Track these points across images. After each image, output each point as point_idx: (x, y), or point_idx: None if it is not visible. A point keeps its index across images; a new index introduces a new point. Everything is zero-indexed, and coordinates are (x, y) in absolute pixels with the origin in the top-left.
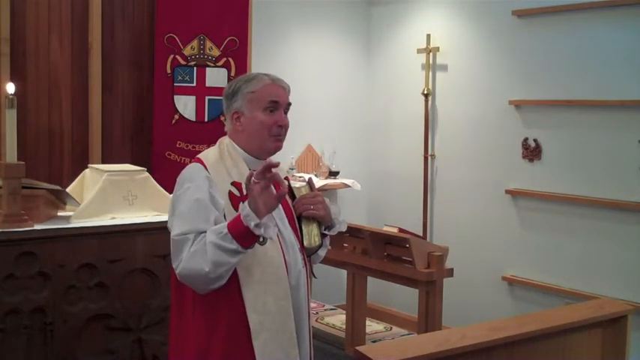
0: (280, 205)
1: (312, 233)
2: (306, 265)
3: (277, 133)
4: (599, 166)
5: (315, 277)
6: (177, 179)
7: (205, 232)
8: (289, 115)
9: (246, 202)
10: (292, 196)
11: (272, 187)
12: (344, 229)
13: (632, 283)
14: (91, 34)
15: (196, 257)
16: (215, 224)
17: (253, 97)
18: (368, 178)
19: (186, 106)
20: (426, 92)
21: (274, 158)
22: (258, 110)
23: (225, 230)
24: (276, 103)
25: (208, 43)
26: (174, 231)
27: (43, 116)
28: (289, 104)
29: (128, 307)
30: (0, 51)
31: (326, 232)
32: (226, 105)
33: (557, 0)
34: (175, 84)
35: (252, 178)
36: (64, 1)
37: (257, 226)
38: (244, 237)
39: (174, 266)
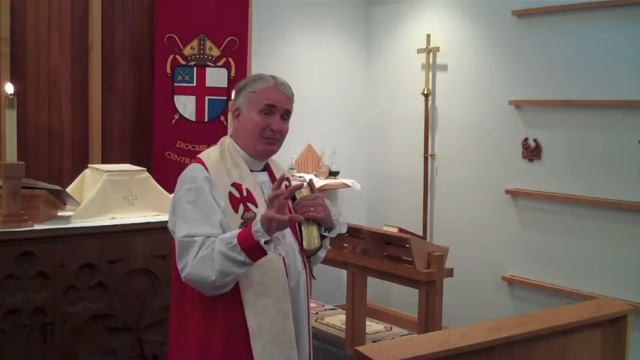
0: None
1: (311, 235)
2: (305, 266)
3: (269, 136)
4: (599, 166)
5: (314, 278)
6: (178, 180)
7: (211, 235)
8: (290, 119)
9: (258, 218)
10: (292, 198)
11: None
12: (344, 230)
13: (632, 283)
14: (91, 34)
15: (203, 264)
16: (220, 226)
17: (253, 97)
18: (368, 178)
19: (186, 106)
20: (426, 92)
21: (277, 159)
22: (254, 111)
23: (235, 241)
24: (272, 107)
25: (208, 43)
26: (180, 232)
27: (43, 116)
28: (288, 111)
29: (128, 307)
30: (0, 51)
31: (326, 233)
32: (233, 101)
33: (557, 0)
34: (175, 84)
35: (266, 202)
36: (64, 1)
37: (267, 242)
38: (254, 250)
39: (179, 267)
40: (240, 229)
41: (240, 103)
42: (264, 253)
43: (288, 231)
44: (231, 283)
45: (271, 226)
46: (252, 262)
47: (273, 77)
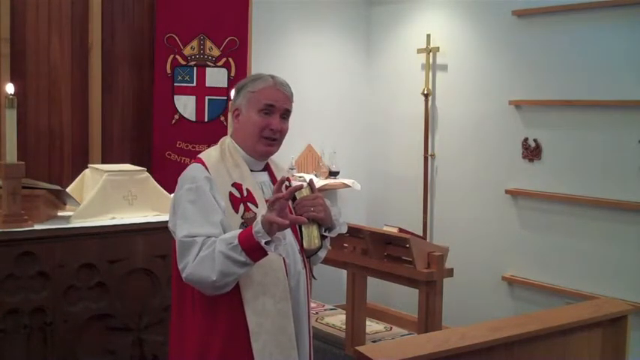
0: None
1: (311, 235)
2: (305, 266)
3: (268, 136)
4: (599, 166)
5: (314, 278)
6: (179, 180)
7: (212, 235)
8: (290, 119)
9: (259, 219)
10: (293, 198)
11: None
12: (344, 230)
13: (632, 283)
14: (91, 34)
15: (204, 264)
16: (221, 226)
17: (252, 97)
18: (368, 178)
19: (186, 106)
20: (426, 92)
21: (277, 159)
22: (253, 111)
23: (236, 242)
24: (271, 107)
25: (208, 43)
26: (181, 232)
27: (43, 116)
28: (287, 110)
29: (128, 307)
30: (0, 51)
31: (326, 233)
32: (232, 101)
33: (557, 0)
34: (175, 84)
35: (267, 205)
36: (64, 1)
37: (267, 243)
38: (254, 250)
39: (179, 267)
40: (241, 230)
41: (239, 103)
42: (265, 254)
43: (288, 231)
44: (232, 283)
45: (272, 228)
46: (252, 263)
47: (272, 77)
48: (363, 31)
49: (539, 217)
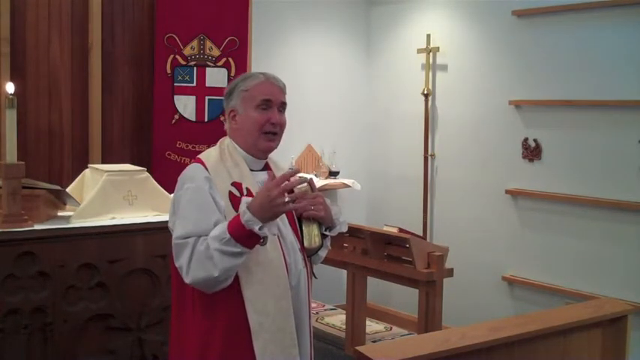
0: None
1: (312, 234)
2: (306, 265)
3: (270, 131)
4: (599, 166)
5: (315, 277)
6: (178, 179)
7: (207, 235)
8: (288, 115)
9: (245, 206)
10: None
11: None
12: (344, 229)
13: (632, 283)
14: (91, 34)
15: (203, 264)
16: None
17: (247, 95)
18: (368, 178)
19: (186, 106)
20: (426, 92)
21: (277, 159)
22: (251, 108)
23: (228, 236)
24: (268, 102)
25: (208, 43)
26: (176, 233)
27: (43, 116)
28: (284, 103)
29: (128, 307)
30: (0, 51)
31: (326, 232)
32: (225, 104)
33: (557, 0)
34: (175, 84)
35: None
36: (64, 1)
37: (260, 228)
38: (247, 238)
39: (177, 266)
40: (226, 222)
41: (234, 104)
42: (259, 238)
43: (288, 229)
44: (233, 274)
45: (266, 215)
46: (249, 250)
47: (262, 73)
48: (363, 31)
49: (539, 217)
